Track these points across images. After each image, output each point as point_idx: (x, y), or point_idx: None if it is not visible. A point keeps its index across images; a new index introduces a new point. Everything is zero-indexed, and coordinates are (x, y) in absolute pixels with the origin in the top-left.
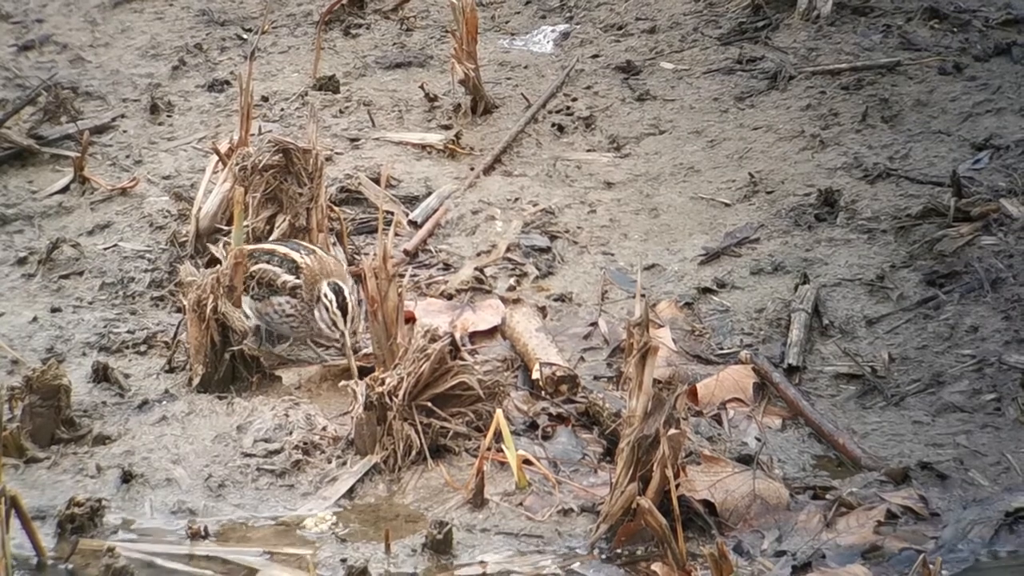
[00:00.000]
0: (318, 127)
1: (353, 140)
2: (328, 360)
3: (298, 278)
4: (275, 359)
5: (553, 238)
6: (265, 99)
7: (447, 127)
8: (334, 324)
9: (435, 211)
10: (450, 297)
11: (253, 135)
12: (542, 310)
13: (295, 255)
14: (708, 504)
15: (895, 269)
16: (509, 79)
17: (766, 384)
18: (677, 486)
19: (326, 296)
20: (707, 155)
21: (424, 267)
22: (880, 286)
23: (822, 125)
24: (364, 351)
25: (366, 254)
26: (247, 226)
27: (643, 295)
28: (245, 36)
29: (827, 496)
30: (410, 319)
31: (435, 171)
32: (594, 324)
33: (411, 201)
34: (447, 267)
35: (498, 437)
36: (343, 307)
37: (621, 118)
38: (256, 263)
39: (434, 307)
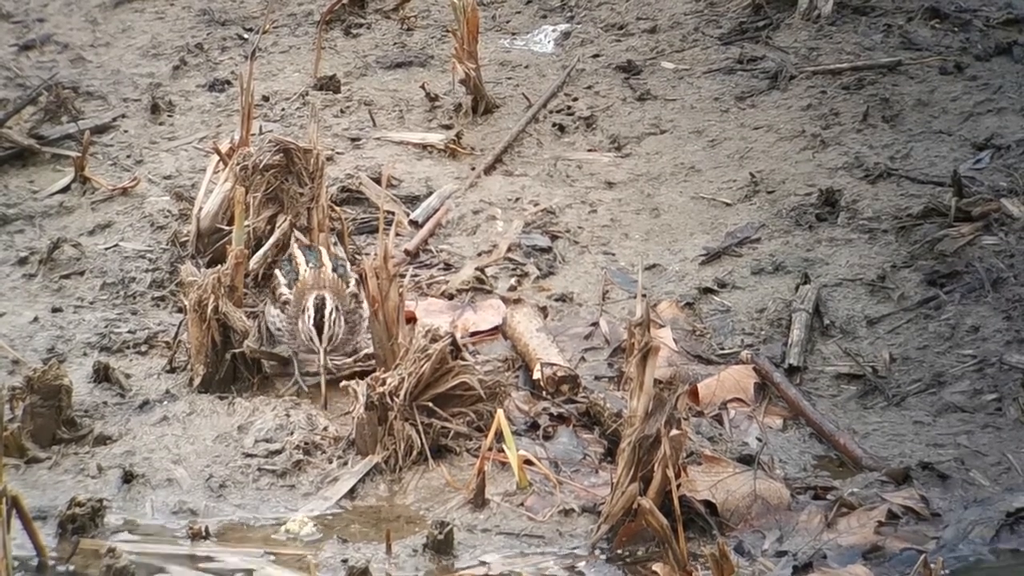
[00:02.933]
0: (319, 127)
1: (354, 140)
2: (301, 382)
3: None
4: (277, 361)
5: (554, 238)
6: (266, 99)
7: (448, 127)
8: (311, 339)
9: (436, 211)
10: (451, 297)
11: (254, 135)
12: (543, 310)
13: (302, 267)
14: (709, 504)
15: (896, 269)
16: (510, 79)
17: (767, 384)
18: (678, 486)
19: (307, 310)
20: (708, 155)
21: (425, 267)
22: (881, 286)
23: (823, 125)
24: (365, 351)
25: (367, 254)
26: (248, 226)
27: (644, 295)
28: (246, 36)
29: (828, 496)
30: (411, 319)
31: (436, 171)
32: (595, 324)
33: (412, 201)
34: (448, 267)
35: (499, 437)
36: (319, 325)
37: (622, 118)
38: (277, 266)
39: (435, 307)
